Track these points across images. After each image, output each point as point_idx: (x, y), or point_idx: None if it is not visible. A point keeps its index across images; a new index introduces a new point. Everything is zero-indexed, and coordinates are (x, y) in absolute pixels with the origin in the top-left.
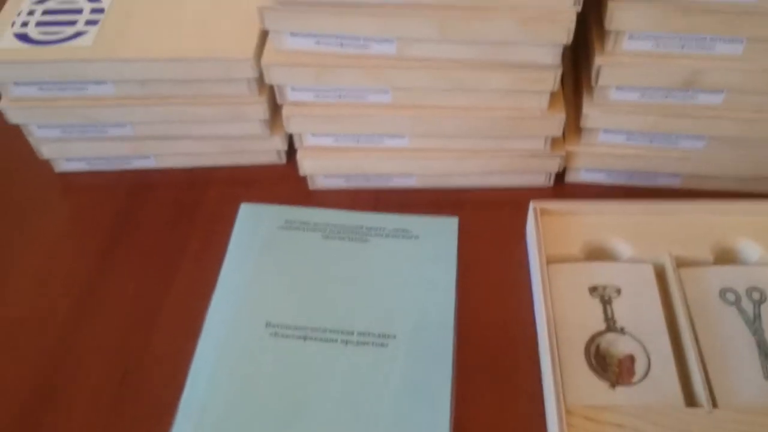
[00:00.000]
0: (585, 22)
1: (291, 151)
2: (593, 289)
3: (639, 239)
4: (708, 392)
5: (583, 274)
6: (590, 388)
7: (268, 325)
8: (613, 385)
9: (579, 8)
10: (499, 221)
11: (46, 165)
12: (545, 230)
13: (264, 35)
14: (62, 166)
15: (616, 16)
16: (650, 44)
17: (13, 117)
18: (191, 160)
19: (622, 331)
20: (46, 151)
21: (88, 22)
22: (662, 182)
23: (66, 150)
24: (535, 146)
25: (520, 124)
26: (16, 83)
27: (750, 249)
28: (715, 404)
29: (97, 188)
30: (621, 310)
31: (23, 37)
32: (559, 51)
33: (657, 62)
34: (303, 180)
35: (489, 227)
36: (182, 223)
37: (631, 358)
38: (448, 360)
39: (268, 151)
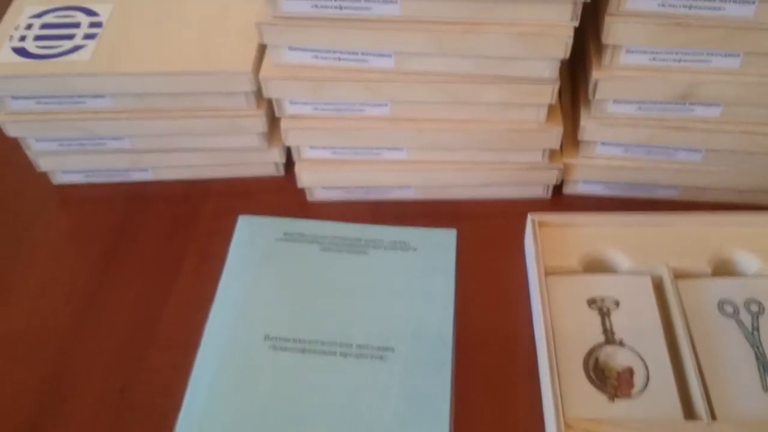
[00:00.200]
0: (582, 36)
1: (289, 163)
2: (592, 301)
3: (637, 251)
4: (707, 405)
5: (582, 286)
6: (589, 400)
7: (266, 337)
8: (612, 398)
9: (576, 23)
10: (498, 233)
11: (43, 177)
12: (543, 242)
13: (262, 49)
14: (60, 178)
15: (613, 31)
16: (647, 58)
17: (11, 130)
18: (189, 172)
19: (620, 343)
20: (43, 164)
21: (86, 36)
22: (660, 194)
23: (63, 162)
24: (533, 159)
25: (518, 137)
26: (14, 97)
27: (748, 261)
28: (714, 417)
29: (94, 200)
30: (619, 322)
31: (21, 51)
32: (556, 65)
33: (654, 76)
34: (301, 192)
35: (487, 239)
36: (180, 235)
37: (630, 371)
38: (447, 373)
39: (266, 163)
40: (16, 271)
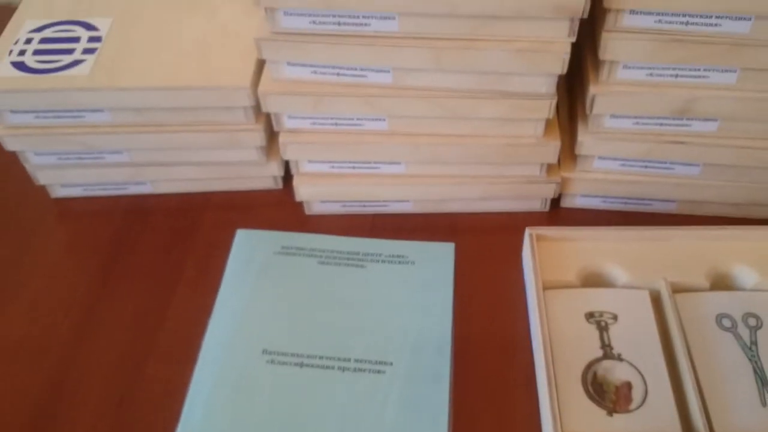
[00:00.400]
0: (580, 50)
1: (287, 176)
2: (590, 315)
3: (635, 265)
4: (705, 419)
5: (580, 300)
6: (587, 415)
7: (264, 351)
8: (611, 412)
9: (573, 39)
10: (496, 246)
11: (42, 191)
12: (541, 256)
13: (261, 64)
14: (58, 191)
15: (610, 47)
16: (644, 73)
17: (10, 144)
18: (187, 185)
19: (619, 357)
20: (42, 177)
21: (86, 51)
22: (658, 207)
23: (62, 176)
24: (531, 173)
25: (516, 151)
26: (13, 111)
27: (745, 275)
28: (712, 431)
29: (93, 214)
30: (617, 336)
31: (20, 66)
32: (554, 80)
33: (651, 91)
34: (299, 205)
35: (485, 252)
36: (179, 248)
37: (629, 386)
38: (445, 386)
39: (264, 176)
40: (15, 284)
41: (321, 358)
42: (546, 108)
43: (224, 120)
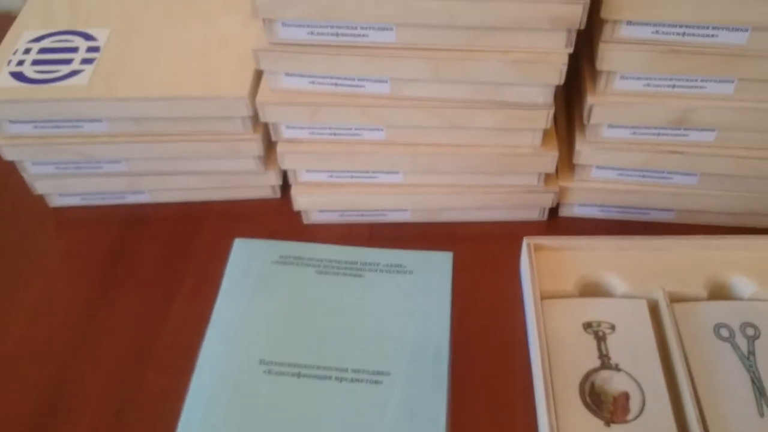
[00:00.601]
0: (578, 60)
1: (285, 185)
2: (587, 325)
3: (632, 275)
4: (702, 430)
5: (577, 309)
6: (585, 426)
7: (261, 362)
8: (608, 423)
9: (571, 50)
10: (494, 255)
11: (40, 200)
12: (539, 265)
13: (259, 74)
14: (56, 201)
15: (608, 58)
16: (641, 84)
17: (8, 154)
18: (186, 194)
19: (616, 368)
20: (40, 187)
21: (84, 61)
22: (655, 216)
23: (60, 186)
24: (529, 182)
25: (514, 161)
26: (11, 121)
27: (743, 284)
28: None
29: (91, 223)
30: (615, 346)
31: (19, 76)
32: (551, 91)
33: (648, 101)
34: (297, 214)
35: (483, 261)
36: (177, 257)
37: (626, 396)
38: (443, 396)
39: (262, 186)
40: (12, 294)
41: (318, 368)
42: (543, 118)
43: (222, 129)
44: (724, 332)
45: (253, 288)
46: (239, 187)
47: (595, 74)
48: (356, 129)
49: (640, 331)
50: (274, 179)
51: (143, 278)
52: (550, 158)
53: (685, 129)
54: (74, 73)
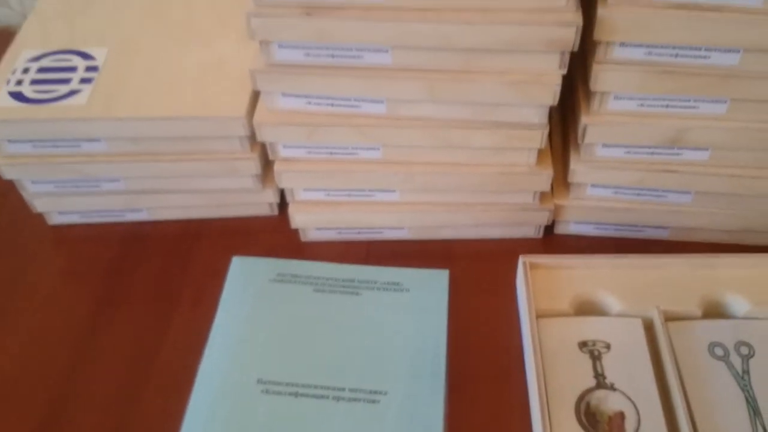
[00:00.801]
0: (572, 80)
1: (283, 203)
2: (583, 344)
3: (627, 293)
4: None
5: (573, 328)
6: None
7: (259, 381)
8: None
9: (564, 71)
10: (490, 273)
11: (39, 218)
12: (535, 284)
13: (256, 94)
14: (55, 219)
15: (601, 79)
16: (635, 104)
17: (7, 173)
18: (184, 212)
19: (612, 387)
20: (39, 205)
21: (83, 80)
22: (650, 234)
23: (59, 204)
24: (525, 200)
25: (509, 179)
26: (10, 141)
27: (737, 303)
28: None
29: (90, 241)
30: (610, 365)
31: (18, 96)
32: (545, 111)
33: (642, 121)
34: (295, 231)
35: (479, 279)
36: (175, 275)
37: (622, 416)
38: (439, 415)
39: (260, 203)
40: (11, 312)
41: (316, 387)
42: (538, 138)
43: (220, 149)
44: (719, 351)
45: (251, 306)
46: (237, 204)
47: (589, 94)
48: (353, 148)
49: (635, 350)
50: (271, 197)
51: (142, 296)
52: (545, 177)
53: (679, 148)
54: (73, 92)
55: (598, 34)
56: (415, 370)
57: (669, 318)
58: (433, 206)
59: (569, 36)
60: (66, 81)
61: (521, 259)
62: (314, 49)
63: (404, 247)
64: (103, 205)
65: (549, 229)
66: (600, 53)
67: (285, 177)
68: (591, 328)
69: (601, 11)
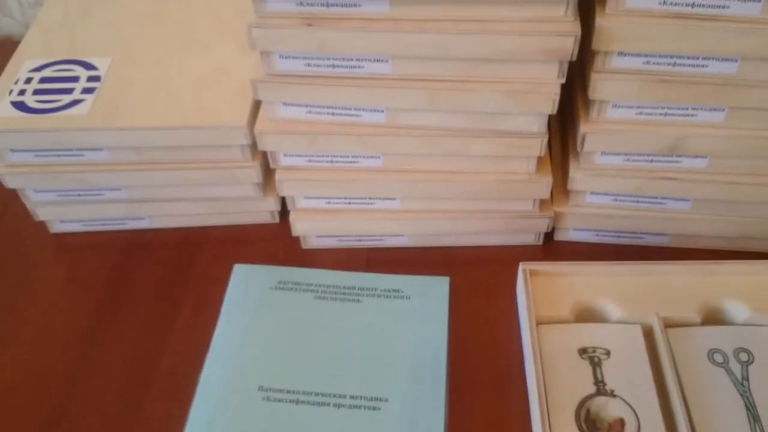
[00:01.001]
0: (571, 88)
1: (284, 210)
2: (583, 351)
3: (627, 300)
4: None
5: (573, 335)
6: None
7: (260, 388)
8: None
9: (563, 80)
10: (490, 280)
11: (41, 226)
12: (535, 291)
13: (257, 102)
14: (57, 227)
15: (599, 87)
16: (633, 112)
17: (10, 182)
18: (185, 220)
19: (612, 394)
20: (41, 214)
21: (85, 90)
22: (650, 241)
23: (61, 212)
24: (524, 207)
25: (509, 187)
26: (13, 150)
27: (737, 309)
28: None
29: (91, 248)
30: (610, 372)
31: (20, 106)
32: (545, 119)
33: (641, 130)
34: (296, 239)
35: (480, 286)
36: (176, 283)
37: (621, 422)
38: (439, 424)
39: (261, 211)
40: (13, 320)
41: (316, 394)
42: (537, 146)
43: (221, 158)
44: (718, 357)
45: (252, 314)
46: (238, 212)
47: (587, 103)
48: (353, 157)
49: (635, 356)
50: (272, 205)
51: (143, 304)
52: (544, 185)
53: (678, 156)
54: (75, 102)
55: (597, 43)
56: (415, 377)
57: (669, 324)
58: (434, 214)
59: (568, 46)
60: (68, 91)
61: (521, 266)
62: (315, 59)
63: (405, 254)
64: (104, 213)
65: (549, 236)
66: (598, 62)
67: (286, 185)
68: (591, 334)
69: (600, 21)
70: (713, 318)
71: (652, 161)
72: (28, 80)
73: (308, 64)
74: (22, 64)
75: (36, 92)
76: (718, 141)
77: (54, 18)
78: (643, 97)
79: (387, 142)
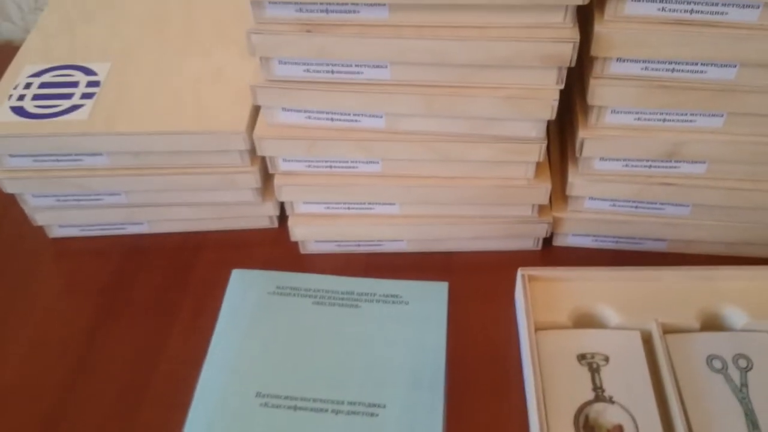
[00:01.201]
0: (570, 93)
1: (283, 215)
2: (581, 357)
3: (626, 306)
4: None
5: (572, 341)
6: None
7: (258, 394)
8: None
9: (561, 86)
10: (489, 285)
11: (40, 231)
12: (533, 296)
13: (256, 108)
14: (56, 232)
15: (598, 93)
16: (632, 118)
17: (8, 187)
18: (184, 225)
19: (610, 400)
20: (40, 218)
21: (84, 96)
22: (649, 246)
23: (60, 217)
24: (523, 213)
25: (508, 192)
26: (12, 155)
27: (735, 315)
28: None
29: (90, 253)
30: (609, 378)
31: (19, 111)
32: (543, 125)
33: (639, 135)
34: (295, 244)
35: (478, 291)
36: (175, 287)
37: (620, 428)
38: (437, 430)
39: (260, 216)
40: (11, 325)
41: (314, 400)
42: (536, 151)
43: (220, 163)
44: (717, 364)
45: (250, 319)
46: (237, 217)
47: (586, 108)
48: (352, 162)
49: (633, 362)
50: (271, 210)
51: (142, 309)
52: (543, 190)
53: (676, 161)
54: (74, 107)
55: (595, 49)
56: (414, 382)
57: (667, 330)
58: (433, 219)
59: (566, 52)
60: (68, 96)
61: (520, 272)
62: (314, 65)
63: (403, 259)
64: (103, 218)
65: (548, 241)
66: (597, 68)
67: (285, 190)
68: (590, 340)
69: (598, 27)
70: (712, 324)
71: (650, 167)
72: (28, 85)
73: (307, 70)
74: (21, 69)
75: (35, 97)
76: (717, 147)
77: (54, 23)
78: (641, 103)
79: (386, 147)
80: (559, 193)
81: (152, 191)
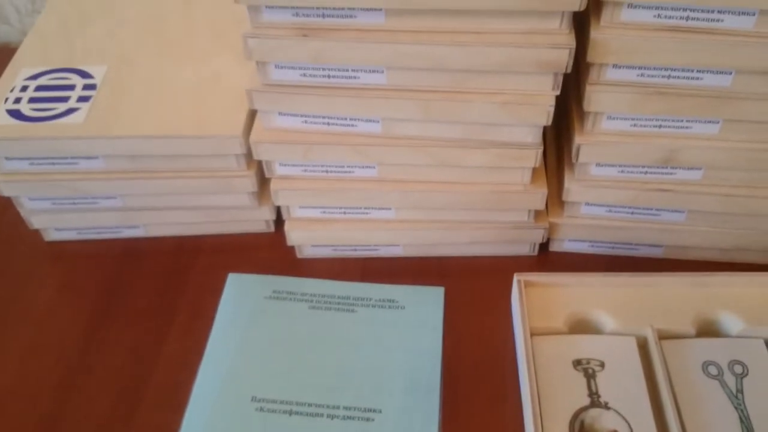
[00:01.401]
0: (566, 99)
1: (279, 219)
2: (577, 363)
3: (622, 312)
4: None
5: (567, 347)
6: None
7: (254, 399)
8: None
9: (558, 92)
10: (485, 290)
11: (35, 234)
12: (529, 301)
13: (253, 112)
14: (52, 235)
15: (594, 99)
16: (628, 124)
17: (5, 190)
18: (180, 229)
19: (606, 406)
20: (36, 222)
21: (80, 99)
22: (644, 252)
23: (56, 220)
24: (519, 218)
25: (504, 198)
26: (8, 158)
27: (731, 321)
28: None
29: (86, 257)
30: (605, 384)
31: (15, 114)
32: (539, 131)
33: (635, 141)
34: (291, 248)
35: (474, 296)
36: (171, 291)
37: None
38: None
39: (256, 220)
40: (7, 328)
41: (310, 405)
42: (532, 157)
43: (216, 167)
44: (713, 370)
45: (246, 323)
46: (233, 221)
47: (582, 114)
48: (348, 166)
49: (629, 368)
50: (267, 214)
51: (137, 312)
52: (539, 196)
53: (672, 167)
54: (71, 111)
55: (591, 56)
56: (409, 387)
57: (663, 336)
58: (429, 224)
59: (563, 58)
60: (64, 99)
61: (516, 277)
62: (310, 69)
63: (399, 264)
64: (99, 221)
65: (544, 246)
66: (593, 74)
67: (281, 195)
68: (585, 346)
69: (594, 34)
70: (708, 330)
71: (646, 173)
72: (24, 88)
73: (304, 74)
74: (18, 71)
75: (31, 100)
76: (713, 153)
77: (51, 26)
78: (637, 109)
79: (382, 152)
80: (555, 199)
81: (148, 195)
